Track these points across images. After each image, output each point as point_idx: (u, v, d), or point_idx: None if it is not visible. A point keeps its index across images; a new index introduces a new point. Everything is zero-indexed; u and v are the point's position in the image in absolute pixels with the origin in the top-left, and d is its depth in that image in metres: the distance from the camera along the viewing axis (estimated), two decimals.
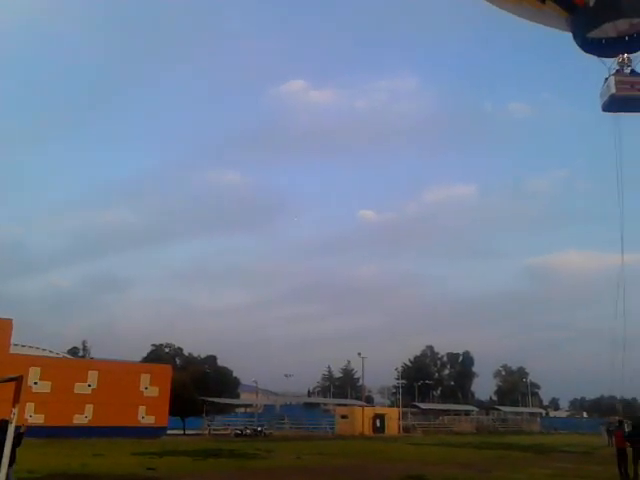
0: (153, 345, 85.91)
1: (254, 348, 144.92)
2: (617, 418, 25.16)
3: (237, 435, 48.34)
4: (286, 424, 62.52)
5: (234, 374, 67.00)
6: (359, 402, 74.53)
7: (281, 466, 23.08)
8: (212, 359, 74.27)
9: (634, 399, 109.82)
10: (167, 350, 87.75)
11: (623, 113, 18.02)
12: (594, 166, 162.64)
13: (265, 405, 73.82)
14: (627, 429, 21.77)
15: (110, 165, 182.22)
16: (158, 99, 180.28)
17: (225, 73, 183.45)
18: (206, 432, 52.11)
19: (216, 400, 56.26)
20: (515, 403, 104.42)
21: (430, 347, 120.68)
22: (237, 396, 68.14)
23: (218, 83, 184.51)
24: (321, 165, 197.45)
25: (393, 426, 65.36)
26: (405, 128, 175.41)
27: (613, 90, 17.14)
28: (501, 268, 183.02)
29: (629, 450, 19.93)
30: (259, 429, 51.84)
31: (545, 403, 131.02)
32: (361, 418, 62.44)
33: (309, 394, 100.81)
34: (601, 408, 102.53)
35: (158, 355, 79.32)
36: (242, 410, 68.66)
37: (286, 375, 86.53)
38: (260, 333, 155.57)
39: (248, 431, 50.08)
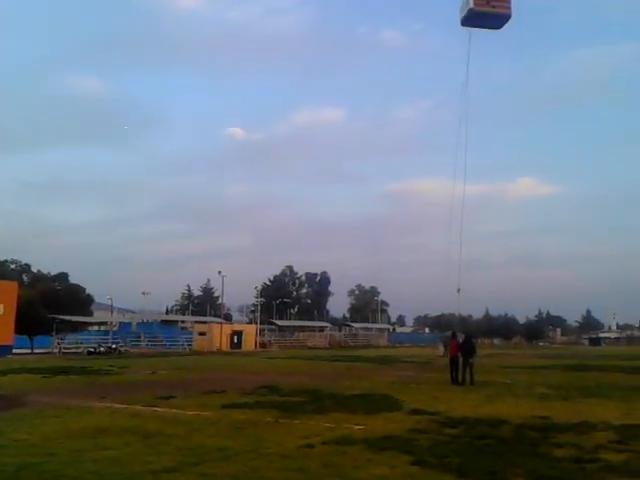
0: None
1: (110, 266, 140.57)
2: (451, 331, 27.68)
3: (90, 353, 47.17)
4: (142, 342, 61.98)
5: (87, 292, 64.49)
6: (218, 319, 75.42)
7: (134, 381, 23.00)
8: (63, 276, 70.90)
9: (470, 316, 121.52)
10: (13, 267, 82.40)
11: (478, 29, 18.91)
12: (455, 99, 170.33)
13: (121, 323, 72.37)
14: (460, 341, 24.02)
15: None
16: None
17: None
18: (56, 351, 50.33)
19: (67, 318, 54.11)
20: (366, 320, 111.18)
21: (290, 267, 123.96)
22: (90, 314, 65.98)
23: None
24: (189, 77, 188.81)
25: (250, 342, 67.25)
26: (278, 45, 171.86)
27: (471, 4, 17.85)
28: (362, 192, 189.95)
29: (461, 359, 22.20)
30: (113, 347, 50.93)
31: (393, 320, 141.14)
32: (219, 335, 63.47)
33: (167, 312, 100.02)
34: (441, 324, 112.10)
35: (2, 272, 74.13)
36: (96, 328, 66.87)
37: (143, 293, 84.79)
38: (117, 250, 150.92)
39: (102, 349, 49.02)
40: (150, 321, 76.30)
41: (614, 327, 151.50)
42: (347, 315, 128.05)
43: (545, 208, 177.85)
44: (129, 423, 11.68)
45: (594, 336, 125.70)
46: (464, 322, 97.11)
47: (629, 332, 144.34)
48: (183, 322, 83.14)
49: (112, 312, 76.75)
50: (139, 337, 63.42)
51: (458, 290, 23.85)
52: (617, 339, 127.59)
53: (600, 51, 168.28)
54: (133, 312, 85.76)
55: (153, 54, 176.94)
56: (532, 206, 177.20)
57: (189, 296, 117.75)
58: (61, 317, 52.42)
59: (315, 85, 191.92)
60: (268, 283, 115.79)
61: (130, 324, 72.73)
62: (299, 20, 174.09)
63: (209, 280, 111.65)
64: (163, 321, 79.25)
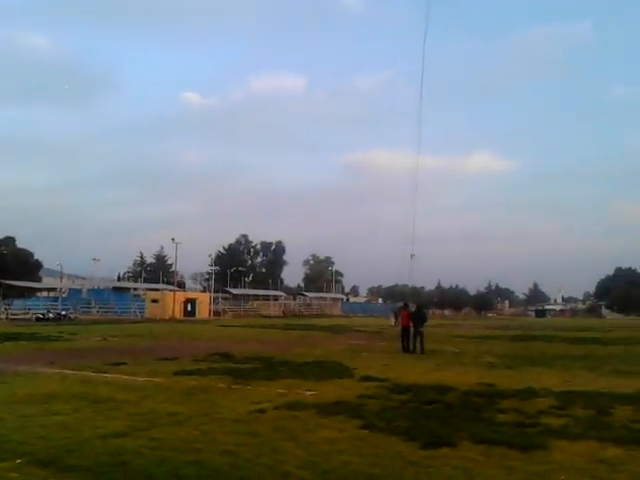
0: None
1: (60, 231, 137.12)
2: (403, 302, 28.15)
3: (38, 319, 46.23)
4: (93, 308, 61.04)
5: (36, 257, 62.84)
6: (171, 287, 74.71)
7: (84, 347, 22.69)
8: (10, 241, 68.81)
9: (422, 287, 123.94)
10: None
11: None
12: (414, 71, 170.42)
13: (70, 289, 71.00)
14: (412, 311, 24.46)
15: None
16: None
17: None
18: (3, 317, 49.12)
19: (15, 283, 52.76)
20: (320, 290, 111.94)
21: (245, 236, 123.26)
22: (39, 280, 64.48)
23: None
24: (144, 39, 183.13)
25: (204, 310, 67.00)
26: (237, 8, 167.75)
27: None
28: (319, 162, 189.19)
29: (412, 328, 22.62)
30: (63, 313, 50.06)
31: (347, 290, 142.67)
32: (172, 302, 62.97)
33: (119, 279, 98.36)
34: (394, 295, 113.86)
35: None
36: (45, 294, 65.45)
37: (94, 259, 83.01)
38: (68, 215, 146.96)
39: (51, 315, 48.10)
40: (101, 288, 74.99)
41: (559, 300, 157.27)
42: (301, 285, 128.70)
43: (498, 183, 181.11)
44: (79, 389, 11.54)
45: (540, 308, 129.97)
46: (416, 293, 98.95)
47: (573, 305, 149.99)
48: (135, 289, 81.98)
49: (61, 278, 75.12)
50: (90, 304, 62.40)
51: (411, 256, 24.18)
52: (562, 311, 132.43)
53: (555, 29, 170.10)
54: (83, 278, 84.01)
55: (107, 15, 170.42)
56: (487, 181, 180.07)
57: (142, 263, 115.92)
58: (8, 282, 51.05)
59: (274, 52, 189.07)
60: (223, 251, 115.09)
61: (80, 290, 71.40)
62: None
63: (162, 247, 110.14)
64: (115, 288, 77.89)
